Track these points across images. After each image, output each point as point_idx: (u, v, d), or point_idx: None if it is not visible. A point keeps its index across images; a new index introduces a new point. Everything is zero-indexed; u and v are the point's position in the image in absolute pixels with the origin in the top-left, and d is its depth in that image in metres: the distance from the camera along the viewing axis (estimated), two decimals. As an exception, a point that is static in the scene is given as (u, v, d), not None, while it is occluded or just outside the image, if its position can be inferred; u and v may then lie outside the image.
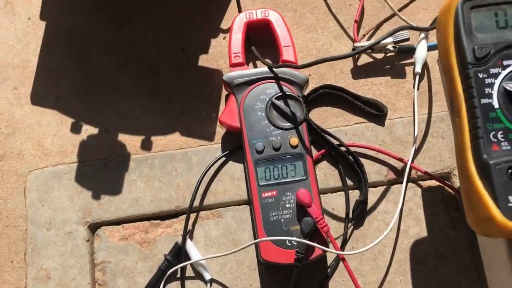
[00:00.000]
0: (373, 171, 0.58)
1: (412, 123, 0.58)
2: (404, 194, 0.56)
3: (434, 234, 0.55)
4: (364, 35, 0.62)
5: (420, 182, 0.57)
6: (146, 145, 0.60)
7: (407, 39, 0.59)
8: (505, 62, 0.39)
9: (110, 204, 0.58)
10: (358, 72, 0.61)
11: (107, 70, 0.62)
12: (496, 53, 0.39)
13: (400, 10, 0.63)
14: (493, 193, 0.36)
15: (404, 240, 0.55)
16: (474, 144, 0.38)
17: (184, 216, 0.57)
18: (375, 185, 0.58)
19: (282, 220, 0.53)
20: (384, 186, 0.57)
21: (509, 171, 0.36)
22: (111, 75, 0.62)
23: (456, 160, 0.41)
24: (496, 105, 0.38)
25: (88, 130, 0.60)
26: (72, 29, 0.64)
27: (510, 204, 0.36)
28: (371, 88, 0.61)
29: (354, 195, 0.57)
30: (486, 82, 0.39)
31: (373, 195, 0.57)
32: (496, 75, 0.39)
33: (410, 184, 0.57)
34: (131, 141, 0.60)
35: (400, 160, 0.57)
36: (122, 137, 0.60)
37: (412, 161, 0.57)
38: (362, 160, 0.58)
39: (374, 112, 0.59)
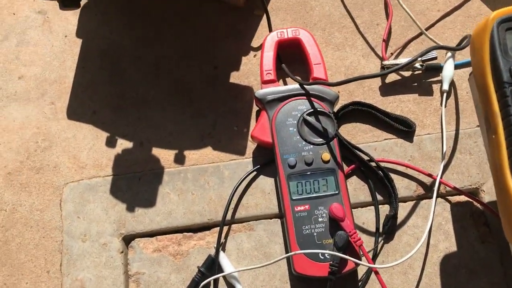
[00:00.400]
0: (403, 186, 0.59)
1: (440, 140, 0.60)
2: (434, 209, 0.57)
3: (464, 249, 0.56)
4: (392, 54, 0.64)
5: (449, 197, 0.58)
6: (179, 159, 0.61)
7: (435, 58, 0.60)
8: (541, 82, 0.40)
9: (144, 216, 0.59)
10: (386, 89, 0.63)
11: (140, 85, 0.64)
12: (532, 72, 0.41)
13: (427, 29, 0.65)
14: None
15: (434, 255, 0.56)
16: (511, 160, 0.39)
17: (216, 229, 0.58)
18: (404, 200, 0.59)
19: (315, 234, 0.54)
20: (414, 201, 0.58)
21: (548, 187, 0.37)
22: (144, 90, 0.64)
23: (493, 176, 0.42)
24: (533, 123, 0.39)
25: (123, 144, 0.62)
26: (106, 45, 0.66)
27: (550, 219, 0.37)
28: (399, 105, 0.62)
29: (384, 209, 0.58)
30: (523, 101, 0.40)
31: (402, 209, 0.58)
32: (532, 94, 0.40)
33: (439, 199, 0.58)
34: (164, 155, 0.61)
35: (429, 175, 0.58)
36: (156, 151, 0.62)
37: (441, 177, 0.58)
38: (392, 175, 0.59)
39: (403, 129, 0.60)
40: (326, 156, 0.56)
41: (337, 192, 0.55)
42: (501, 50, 0.41)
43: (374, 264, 0.55)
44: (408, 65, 0.61)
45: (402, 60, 0.61)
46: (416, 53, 0.62)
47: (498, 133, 0.41)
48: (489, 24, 0.42)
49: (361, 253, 0.53)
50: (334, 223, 0.53)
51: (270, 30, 0.64)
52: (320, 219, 0.54)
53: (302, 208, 0.55)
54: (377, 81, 0.63)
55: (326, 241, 0.53)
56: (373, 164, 0.59)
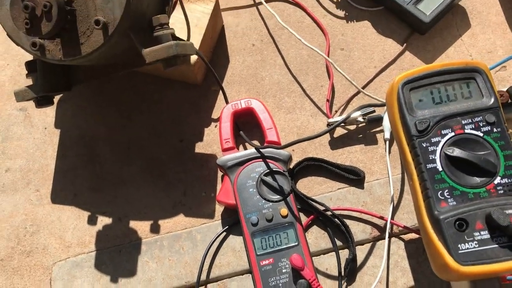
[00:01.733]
0: (359, 230, 0.64)
1: (388, 184, 0.66)
2: (389, 249, 0.63)
3: (421, 283, 0.61)
4: (336, 111, 0.71)
5: (402, 236, 0.64)
6: (155, 229, 0.67)
7: (374, 111, 0.67)
8: (443, 132, 0.47)
9: (126, 286, 0.64)
10: (335, 143, 0.69)
11: (115, 165, 0.71)
12: (435, 124, 0.47)
13: (366, 85, 0.72)
14: (446, 243, 0.43)
15: (394, 291, 0.61)
16: (426, 203, 0.45)
17: (194, 290, 0.63)
18: (362, 242, 0.64)
19: (280, 285, 0.59)
20: (370, 243, 0.64)
21: (456, 223, 0.43)
22: (119, 169, 0.71)
23: (416, 217, 0.48)
24: (440, 168, 0.46)
25: (103, 220, 0.68)
26: (82, 133, 0.73)
27: (460, 251, 0.42)
28: (348, 156, 0.68)
29: (344, 254, 0.63)
30: (430, 150, 0.47)
31: (361, 252, 0.63)
32: (437, 143, 0.47)
33: (393, 239, 0.64)
34: (141, 227, 0.67)
35: (381, 218, 0.64)
36: (133, 224, 0.68)
37: (392, 218, 0.63)
38: (348, 221, 0.65)
39: (353, 177, 0.66)
40: (284, 211, 0.62)
41: (296, 243, 0.61)
42: (407, 108, 0.48)
43: (340, 306, 0.60)
44: (352, 120, 0.68)
45: (344, 117, 0.68)
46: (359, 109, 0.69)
47: (414, 180, 0.47)
48: (394, 86, 0.49)
49: (324, 297, 0.57)
50: (296, 273, 0.59)
51: (226, 102, 0.71)
52: (284, 270, 0.59)
53: (267, 262, 0.60)
54: (327, 137, 0.70)
55: (291, 290, 0.58)
56: (329, 213, 0.65)
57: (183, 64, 0.68)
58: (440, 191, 0.45)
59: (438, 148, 0.47)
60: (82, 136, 0.73)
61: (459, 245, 0.42)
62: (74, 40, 0.60)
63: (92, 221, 0.68)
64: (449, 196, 0.45)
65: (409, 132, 0.48)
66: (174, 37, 0.64)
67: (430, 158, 0.46)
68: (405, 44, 0.73)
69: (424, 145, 0.47)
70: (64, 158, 0.72)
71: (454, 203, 0.44)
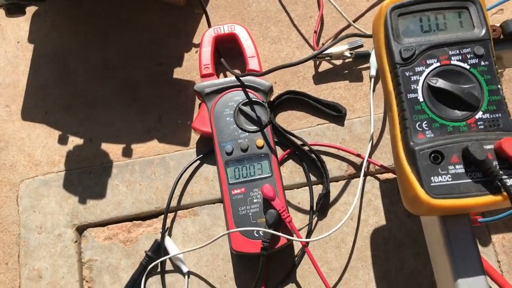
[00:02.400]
0: (335, 167, 0.63)
1: (369, 122, 0.64)
2: (363, 187, 0.62)
3: (392, 222, 0.60)
4: (323, 44, 0.68)
5: (378, 175, 0.63)
6: (127, 153, 0.65)
7: (361, 46, 0.65)
8: (428, 61, 0.45)
9: (95, 207, 0.63)
10: (320, 78, 0.67)
11: (89, 85, 0.68)
12: (420, 53, 0.45)
13: (357, 19, 0.69)
14: (418, 175, 0.41)
15: (364, 229, 0.60)
16: (403, 134, 0.43)
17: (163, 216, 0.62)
18: (337, 179, 0.63)
19: (250, 214, 0.58)
20: (345, 180, 0.63)
21: (432, 155, 0.42)
22: (92, 90, 0.68)
23: (391, 149, 0.46)
24: (421, 99, 0.44)
25: (74, 141, 0.66)
26: (56, 50, 0.70)
27: (433, 184, 0.41)
28: (331, 92, 0.66)
29: (318, 189, 0.62)
30: (412, 79, 0.44)
31: (335, 188, 0.62)
32: (420, 73, 0.44)
33: (368, 177, 0.62)
34: (113, 150, 0.65)
35: (358, 155, 0.62)
36: (105, 146, 0.66)
37: (370, 156, 0.62)
38: (325, 157, 0.63)
39: (334, 114, 0.64)
40: (260, 142, 0.61)
41: (270, 175, 0.59)
42: (393, 34, 0.45)
43: (309, 238, 0.60)
44: (338, 54, 0.65)
45: (332, 50, 0.65)
46: (346, 43, 0.66)
47: (393, 110, 0.45)
48: (382, 10, 0.46)
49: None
50: (267, 203, 0.57)
51: (209, 26, 0.67)
52: (255, 200, 0.58)
53: (238, 191, 0.59)
54: (311, 71, 0.67)
55: (260, 220, 0.57)
56: (306, 147, 0.63)
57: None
58: (419, 122, 0.43)
59: (421, 78, 0.44)
60: (56, 52, 0.70)
61: (432, 178, 0.41)
62: None
63: (62, 140, 0.66)
64: (427, 128, 0.43)
65: (393, 59, 0.45)
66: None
67: (412, 87, 0.44)
68: (401, -21, 0.69)
69: (407, 74, 0.44)
70: (36, 75, 0.69)
71: (432, 135, 0.43)
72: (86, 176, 0.64)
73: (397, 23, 0.46)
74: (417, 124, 0.43)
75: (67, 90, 0.68)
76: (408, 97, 0.44)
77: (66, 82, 0.69)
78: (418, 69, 0.44)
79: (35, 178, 0.65)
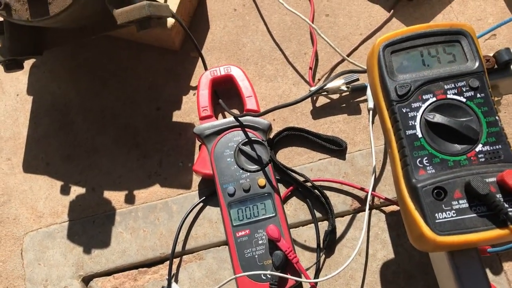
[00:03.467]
0: (339, 202, 0.62)
1: (370, 155, 0.64)
2: (369, 221, 0.61)
3: (401, 255, 0.60)
4: (319, 79, 0.68)
5: (383, 208, 0.62)
6: (129, 199, 0.65)
7: (357, 80, 0.65)
8: (424, 97, 0.45)
9: (100, 256, 0.62)
10: (318, 113, 0.67)
11: (88, 134, 0.68)
12: (416, 89, 0.45)
13: (351, 53, 0.69)
14: (422, 212, 0.41)
15: (373, 264, 0.60)
16: (404, 170, 0.43)
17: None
18: (342, 214, 0.62)
19: (256, 256, 0.57)
20: (351, 215, 0.62)
21: (434, 191, 0.41)
22: (92, 138, 0.68)
23: (394, 186, 0.46)
24: (420, 135, 0.44)
25: (76, 190, 0.66)
26: (55, 100, 0.71)
27: (437, 221, 0.40)
28: (330, 126, 0.66)
29: (324, 226, 0.62)
30: (410, 116, 0.44)
31: (341, 224, 0.62)
32: (417, 109, 0.44)
33: (374, 211, 0.62)
34: (115, 197, 0.65)
35: (362, 189, 0.62)
36: (107, 194, 0.65)
37: (374, 189, 0.62)
38: (328, 192, 0.63)
39: (335, 148, 0.64)
40: (262, 181, 0.60)
41: (274, 214, 0.59)
42: (387, 72, 0.46)
43: (318, 278, 0.59)
44: (335, 88, 0.66)
45: (328, 85, 0.65)
46: (342, 77, 0.66)
47: (392, 147, 0.45)
48: (375, 49, 0.47)
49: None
50: (273, 244, 0.57)
51: (206, 69, 0.68)
52: (260, 242, 0.58)
53: (243, 233, 0.58)
54: (309, 106, 0.67)
55: (266, 262, 0.57)
56: (309, 184, 0.63)
57: (158, 27, 0.65)
58: (419, 159, 0.43)
59: (419, 114, 0.44)
60: (55, 103, 0.71)
61: (436, 214, 0.41)
62: (41, 0, 0.57)
63: (65, 191, 0.66)
64: (428, 164, 0.43)
65: (388, 96, 0.45)
66: (149, -2, 0.61)
67: (410, 124, 0.44)
68: (392, 11, 0.70)
69: (404, 111, 0.44)
70: (36, 126, 0.70)
71: (433, 171, 0.42)
72: (89, 226, 0.64)
73: (390, 61, 0.46)
74: (417, 161, 0.43)
75: (67, 139, 0.69)
76: (407, 133, 0.44)
77: (66, 131, 0.69)
78: (414, 105, 0.45)
79: (39, 230, 0.64)
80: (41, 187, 0.67)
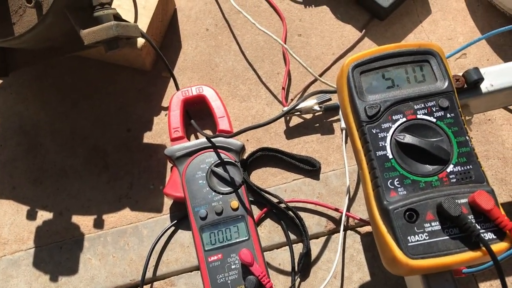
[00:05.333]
0: (314, 223, 0.61)
1: (344, 175, 0.63)
2: (344, 242, 0.60)
3: (377, 277, 0.59)
4: (292, 99, 0.68)
5: (358, 229, 0.61)
6: (98, 224, 0.63)
7: (329, 99, 0.65)
8: (394, 117, 0.44)
9: (67, 284, 0.60)
10: (291, 133, 0.66)
11: (57, 156, 0.66)
12: (386, 110, 0.45)
13: (324, 72, 0.69)
14: (395, 235, 0.40)
15: (349, 286, 0.58)
16: (375, 192, 0.43)
17: (139, 288, 0.59)
18: (317, 236, 0.61)
19: (229, 282, 0.55)
20: (325, 236, 0.61)
21: (406, 214, 0.41)
22: (61, 160, 0.66)
23: (366, 208, 0.45)
24: (390, 156, 0.43)
25: (43, 215, 0.64)
26: (23, 122, 0.69)
27: (410, 244, 0.40)
28: (304, 146, 0.65)
29: (299, 248, 0.60)
30: (380, 136, 0.44)
31: (315, 246, 0.60)
32: (387, 129, 0.44)
33: (349, 232, 0.61)
34: (84, 221, 0.63)
35: (336, 210, 0.61)
36: (76, 218, 0.63)
37: (348, 210, 0.61)
38: (303, 213, 0.62)
39: (309, 168, 0.63)
40: (235, 204, 0.59)
41: (247, 237, 0.57)
42: (357, 93, 0.45)
43: (292, 303, 0.57)
44: (308, 108, 0.65)
45: (301, 104, 0.65)
46: (315, 97, 0.65)
47: (363, 168, 0.44)
48: (344, 69, 0.46)
49: (274, 294, 0.54)
50: (246, 269, 0.55)
51: (177, 89, 0.67)
52: (233, 266, 0.56)
53: (215, 257, 0.57)
54: (282, 126, 0.67)
55: (239, 287, 0.55)
56: (283, 205, 0.61)
57: (127, 48, 0.64)
58: (390, 180, 0.42)
59: (389, 135, 0.44)
60: (23, 125, 0.69)
61: (409, 237, 0.40)
62: (6, 20, 0.56)
63: (31, 216, 0.64)
64: (399, 185, 0.42)
65: (358, 117, 0.45)
66: (118, 18, 0.60)
67: (380, 145, 0.43)
68: (364, 30, 0.71)
69: (374, 131, 0.44)
70: (2, 149, 0.68)
71: (405, 192, 0.42)
72: (57, 252, 0.62)
73: (360, 81, 0.46)
74: (388, 182, 0.42)
75: (35, 162, 0.67)
76: (377, 154, 0.43)
77: (34, 154, 0.67)
78: (384, 125, 0.44)
79: (3, 258, 0.62)
80: (6, 212, 0.64)
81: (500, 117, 0.65)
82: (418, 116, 0.44)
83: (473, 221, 0.40)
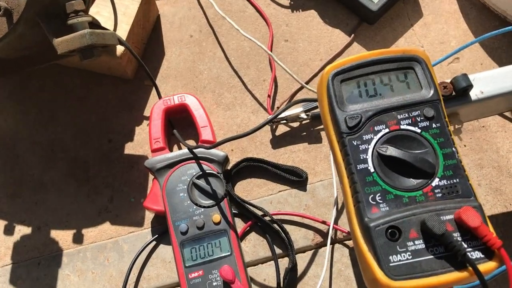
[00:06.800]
0: (300, 237, 0.59)
1: (332, 185, 0.61)
2: (332, 256, 0.58)
3: (365, 293, 0.56)
4: (278, 107, 0.65)
5: (346, 242, 0.59)
6: (78, 239, 0.61)
7: (316, 107, 0.62)
8: (376, 128, 0.42)
9: (44, 302, 0.58)
10: (278, 142, 0.64)
11: (36, 169, 0.64)
12: (367, 120, 0.42)
13: (311, 79, 0.67)
14: (376, 254, 0.38)
15: (337, 303, 0.56)
16: (356, 208, 0.40)
17: (119, 306, 0.57)
18: (303, 250, 0.59)
19: (210, 299, 0.53)
20: (312, 250, 0.59)
21: (388, 231, 0.38)
22: (40, 173, 0.64)
23: (348, 224, 0.43)
24: (372, 169, 0.41)
25: (21, 230, 0.62)
26: (1, 133, 0.66)
27: (392, 264, 0.37)
28: (290, 155, 0.63)
29: (284, 263, 0.58)
30: (361, 149, 0.41)
31: (302, 260, 0.58)
32: (369, 141, 0.41)
33: (337, 245, 0.59)
34: (62, 236, 0.61)
35: (324, 222, 0.59)
36: (54, 233, 0.61)
37: (336, 222, 0.58)
38: (289, 226, 0.59)
39: (295, 179, 0.61)
40: (217, 217, 0.57)
41: (229, 253, 0.55)
42: (337, 102, 0.43)
43: (277, 321, 0.55)
44: (294, 116, 0.63)
45: (287, 113, 0.62)
46: (301, 105, 0.63)
47: (344, 183, 0.42)
48: (324, 78, 0.44)
49: (257, 313, 0.52)
50: (228, 286, 0.53)
51: (160, 98, 0.65)
52: (214, 284, 0.54)
53: (196, 274, 0.54)
54: (268, 135, 0.64)
55: (221, 306, 0.53)
56: (268, 218, 0.59)
57: (106, 56, 0.62)
58: (372, 195, 0.40)
59: (370, 147, 0.41)
60: (1, 137, 0.67)
61: (391, 257, 0.37)
62: (-25, 29, 0.54)
63: (8, 230, 0.62)
64: (381, 201, 0.39)
65: (339, 128, 0.42)
66: (95, 25, 0.58)
67: (361, 157, 0.41)
68: (352, 35, 0.68)
69: (355, 143, 0.41)
70: (-21, 162, 0.66)
71: (387, 208, 0.39)
72: (34, 268, 0.60)
73: (340, 90, 0.43)
74: (370, 197, 0.40)
75: (13, 175, 0.64)
76: (358, 168, 0.41)
77: (11, 167, 0.65)
78: (366, 137, 0.42)
79: (-21, 275, 0.60)
80: (-17, 228, 0.62)
81: (495, 124, 0.63)
82: (402, 127, 0.42)
83: (459, 239, 0.38)
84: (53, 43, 0.53)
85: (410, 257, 0.37)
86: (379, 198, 0.40)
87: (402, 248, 0.38)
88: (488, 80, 0.48)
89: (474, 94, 0.48)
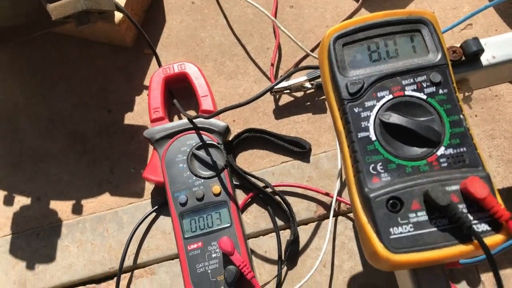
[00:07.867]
0: (303, 209, 0.57)
1: (336, 157, 0.59)
2: (335, 228, 0.56)
3: (369, 267, 0.55)
4: (281, 76, 0.63)
5: (350, 214, 0.57)
6: (77, 210, 0.60)
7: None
8: (379, 94, 0.40)
9: (44, 273, 0.57)
10: (281, 112, 0.62)
11: (35, 140, 0.63)
12: (370, 86, 0.40)
13: (315, 48, 0.64)
14: (376, 226, 0.36)
15: (339, 276, 0.55)
16: (356, 178, 0.38)
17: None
18: (306, 222, 0.57)
19: (209, 271, 0.52)
20: (315, 223, 0.57)
21: (389, 202, 0.36)
22: (39, 145, 0.63)
23: (348, 196, 0.41)
24: (373, 138, 0.38)
25: (20, 200, 0.61)
26: (0, 105, 0.65)
27: (392, 236, 0.35)
28: (294, 126, 0.61)
29: (286, 235, 0.57)
30: (362, 116, 0.39)
31: (304, 233, 0.57)
32: (371, 108, 0.39)
33: (340, 218, 0.57)
34: (62, 207, 0.60)
35: (327, 194, 0.57)
36: (54, 204, 0.60)
37: (339, 194, 0.57)
38: (291, 198, 0.58)
39: (298, 150, 0.59)
40: (217, 188, 0.55)
41: (229, 224, 0.54)
42: (338, 67, 0.41)
43: (278, 293, 0.54)
44: (298, 86, 0.61)
45: (290, 82, 0.60)
46: (305, 73, 0.61)
47: (344, 152, 0.40)
48: (325, 41, 0.41)
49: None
50: (227, 258, 0.52)
51: (160, 66, 0.63)
52: (213, 255, 0.53)
53: (195, 246, 0.53)
54: (271, 105, 0.62)
55: (220, 278, 0.52)
56: (270, 189, 0.58)
57: (104, 23, 0.60)
58: (372, 165, 0.38)
59: (372, 114, 0.39)
60: (0, 108, 0.65)
61: (391, 229, 0.35)
62: (-33, -5, 0.52)
63: (8, 201, 0.61)
64: (382, 171, 0.37)
65: (339, 95, 0.40)
66: (90, -9, 0.56)
67: (363, 125, 0.39)
68: (360, 1, 0.65)
69: (356, 110, 0.39)
70: (-21, 132, 0.65)
71: (388, 178, 0.37)
72: (34, 239, 0.59)
73: (342, 54, 0.41)
74: (370, 167, 0.38)
75: (12, 146, 0.64)
76: (359, 136, 0.39)
77: (12, 138, 0.64)
78: (368, 104, 0.39)
79: (-20, 245, 0.60)
80: (-17, 198, 0.62)
81: (509, 93, 0.60)
82: (406, 93, 0.39)
83: (465, 211, 0.36)
84: (47, 8, 0.51)
85: (412, 229, 0.36)
86: (381, 167, 0.38)
87: (404, 220, 0.36)
88: (501, 44, 0.46)
89: (485, 59, 0.45)
